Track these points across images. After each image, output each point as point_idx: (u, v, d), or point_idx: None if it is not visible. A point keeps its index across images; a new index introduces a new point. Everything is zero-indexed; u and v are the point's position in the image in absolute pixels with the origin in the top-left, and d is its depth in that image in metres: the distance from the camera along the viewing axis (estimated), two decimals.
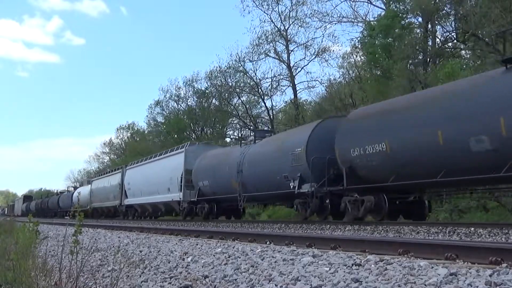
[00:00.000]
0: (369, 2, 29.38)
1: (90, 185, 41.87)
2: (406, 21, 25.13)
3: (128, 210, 32.64)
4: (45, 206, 60.47)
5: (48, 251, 7.87)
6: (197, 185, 21.97)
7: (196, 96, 43.38)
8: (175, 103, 46.34)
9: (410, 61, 23.87)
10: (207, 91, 42.18)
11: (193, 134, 44.34)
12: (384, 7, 27.12)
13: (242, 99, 40.67)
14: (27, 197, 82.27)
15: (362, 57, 28.65)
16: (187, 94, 44.62)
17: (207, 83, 41.90)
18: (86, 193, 40.75)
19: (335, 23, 31.83)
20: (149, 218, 29.96)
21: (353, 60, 30.75)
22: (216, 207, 21.20)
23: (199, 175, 21.97)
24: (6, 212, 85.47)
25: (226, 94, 40.41)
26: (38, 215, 59.91)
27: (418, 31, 25.04)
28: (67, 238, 5.85)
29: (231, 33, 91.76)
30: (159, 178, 26.07)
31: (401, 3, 25.45)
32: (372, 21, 27.30)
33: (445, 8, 23.74)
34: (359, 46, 27.93)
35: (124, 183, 32.78)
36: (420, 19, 24.90)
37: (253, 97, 40.24)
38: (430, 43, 24.75)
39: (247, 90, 39.39)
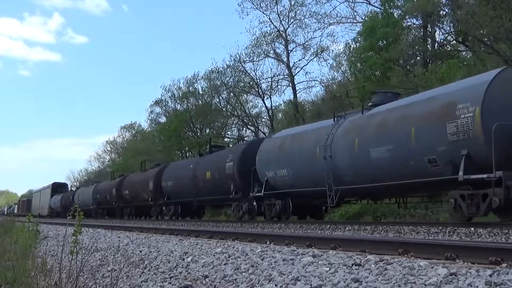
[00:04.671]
0: (368, 2, 29.36)
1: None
2: (405, 23, 25.09)
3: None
4: (135, 195, 28.75)
5: (48, 251, 7.88)
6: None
7: (193, 96, 43.26)
8: (175, 103, 46.22)
9: (407, 64, 23.89)
10: (201, 91, 42.10)
11: (193, 134, 44.28)
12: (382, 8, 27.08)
13: (240, 98, 40.58)
14: (58, 186, 52.33)
15: (352, 68, 28.47)
16: (187, 94, 44.51)
17: (205, 83, 41.86)
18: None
19: (336, 24, 31.79)
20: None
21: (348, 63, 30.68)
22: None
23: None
24: (17, 211, 66.55)
25: (225, 94, 40.37)
26: (96, 215, 34.63)
27: (413, 31, 25.01)
28: (67, 238, 5.85)
29: (233, 32, 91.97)
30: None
31: (398, 8, 25.44)
32: (366, 20, 27.24)
33: (444, 8, 23.73)
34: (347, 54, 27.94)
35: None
36: (415, 21, 24.89)
37: (252, 97, 40.23)
38: (430, 44, 24.73)
39: (246, 89, 39.35)
